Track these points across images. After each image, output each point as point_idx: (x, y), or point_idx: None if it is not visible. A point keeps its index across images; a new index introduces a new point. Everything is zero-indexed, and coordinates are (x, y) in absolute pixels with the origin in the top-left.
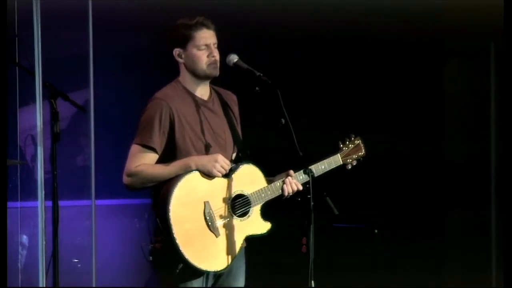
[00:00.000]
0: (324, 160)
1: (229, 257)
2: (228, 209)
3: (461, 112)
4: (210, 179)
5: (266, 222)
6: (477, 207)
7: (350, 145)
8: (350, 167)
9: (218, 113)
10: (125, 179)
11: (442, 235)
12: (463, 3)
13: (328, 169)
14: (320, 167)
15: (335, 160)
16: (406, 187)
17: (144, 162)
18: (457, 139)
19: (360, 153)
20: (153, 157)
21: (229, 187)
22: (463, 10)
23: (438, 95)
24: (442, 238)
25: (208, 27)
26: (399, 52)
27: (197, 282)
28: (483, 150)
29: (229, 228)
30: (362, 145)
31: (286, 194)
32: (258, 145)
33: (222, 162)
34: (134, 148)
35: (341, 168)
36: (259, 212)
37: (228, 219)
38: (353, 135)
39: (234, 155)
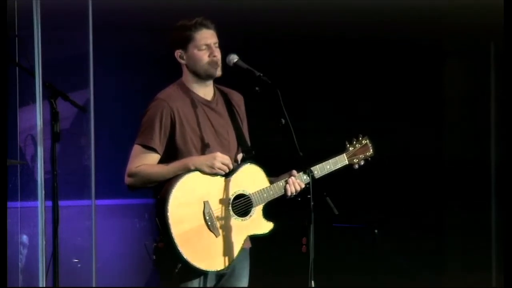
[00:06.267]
0: (329, 160)
1: (229, 257)
2: (228, 209)
3: (461, 112)
4: (210, 179)
5: (269, 222)
6: (477, 207)
7: (357, 145)
8: (357, 167)
9: (221, 113)
10: (127, 179)
11: (442, 235)
12: (463, 3)
13: (333, 169)
14: (325, 167)
15: (341, 160)
16: (406, 187)
17: (145, 162)
18: (457, 139)
19: (367, 153)
20: (154, 157)
21: (229, 187)
22: (463, 10)
23: (438, 95)
24: (442, 238)
25: (207, 27)
26: (399, 52)
27: (197, 282)
28: (483, 150)
29: (229, 228)
30: (370, 145)
31: (289, 194)
32: (259, 145)
33: (221, 159)
34: (136, 148)
35: (348, 168)
36: (261, 212)
37: (228, 219)
38: (361, 135)
39: (239, 156)
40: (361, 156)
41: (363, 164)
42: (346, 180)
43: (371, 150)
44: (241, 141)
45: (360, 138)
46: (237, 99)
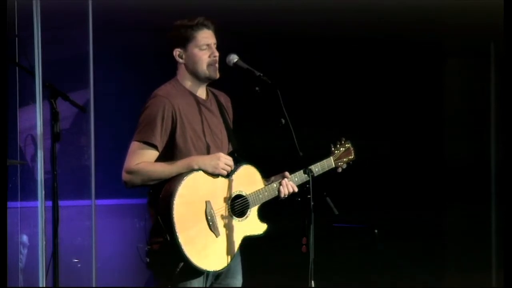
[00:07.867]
0: (318, 163)
1: (229, 257)
2: (228, 209)
3: (461, 112)
4: (212, 179)
5: (263, 223)
6: (477, 207)
7: (341, 149)
8: (340, 170)
9: (215, 113)
10: (125, 176)
11: (442, 235)
12: (463, 3)
13: (321, 171)
14: (314, 170)
15: (328, 163)
16: (406, 187)
17: (144, 159)
18: (457, 139)
19: (350, 157)
20: (153, 154)
21: (229, 187)
22: (463, 10)
23: (438, 95)
24: (442, 238)
25: (208, 27)
26: (399, 52)
27: (197, 281)
28: (483, 150)
29: (229, 228)
30: (352, 149)
31: (282, 195)
32: (256, 145)
33: (225, 160)
34: (134, 145)
35: (332, 171)
36: (257, 213)
37: (228, 219)
38: (344, 139)
39: None
40: (345, 159)
41: (345, 168)
42: (346, 180)
43: (353, 154)
44: (231, 141)
45: (343, 142)
46: (226, 100)
